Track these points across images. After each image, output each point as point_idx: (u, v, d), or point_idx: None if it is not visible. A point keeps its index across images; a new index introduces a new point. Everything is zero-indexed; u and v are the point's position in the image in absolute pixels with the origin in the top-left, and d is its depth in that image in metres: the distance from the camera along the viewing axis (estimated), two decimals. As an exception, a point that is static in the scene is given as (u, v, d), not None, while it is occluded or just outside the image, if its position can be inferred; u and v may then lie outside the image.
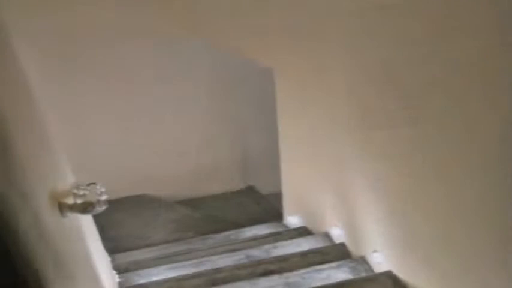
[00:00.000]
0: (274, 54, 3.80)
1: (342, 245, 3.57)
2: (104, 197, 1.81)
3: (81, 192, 1.80)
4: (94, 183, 1.86)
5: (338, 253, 3.51)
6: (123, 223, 5.15)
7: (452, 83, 2.04)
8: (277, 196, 4.79)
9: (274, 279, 3.17)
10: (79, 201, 1.75)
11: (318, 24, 3.08)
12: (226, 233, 4.80)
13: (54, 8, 4.52)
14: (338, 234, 3.65)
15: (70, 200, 1.72)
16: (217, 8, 4.45)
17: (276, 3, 3.49)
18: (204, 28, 4.90)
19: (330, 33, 2.96)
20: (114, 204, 2.42)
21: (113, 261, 3.86)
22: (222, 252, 3.91)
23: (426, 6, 2.09)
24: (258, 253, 3.79)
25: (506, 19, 1.69)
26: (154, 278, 3.54)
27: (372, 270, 3.15)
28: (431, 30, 2.09)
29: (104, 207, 1.78)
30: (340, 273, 3.20)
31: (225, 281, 3.29)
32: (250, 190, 6.16)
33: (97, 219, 2.78)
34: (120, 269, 3.75)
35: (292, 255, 3.53)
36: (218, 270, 3.42)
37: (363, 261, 3.25)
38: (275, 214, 5.32)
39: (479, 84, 1.88)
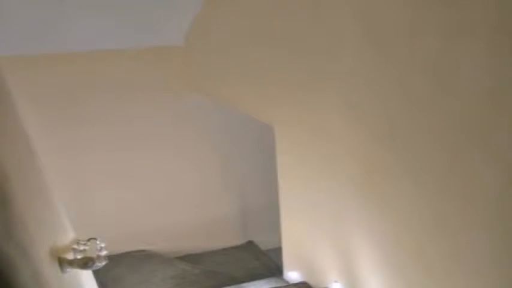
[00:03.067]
0: (273, 110, 3.84)
1: (342, 300, 3.54)
2: (104, 252, 1.81)
3: (81, 248, 1.80)
4: (94, 239, 1.87)
5: (338, 309, 3.48)
6: (123, 278, 5.10)
7: (453, 138, 2.06)
8: (277, 251, 4.76)
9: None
10: (79, 256, 1.75)
11: (318, 79, 3.12)
12: (226, 288, 4.76)
13: (54, 64, 4.59)
14: (338, 289, 3.63)
15: (70, 255, 1.72)
16: (218, 65, 4.52)
17: (275, 59, 3.55)
18: (202, 83, 4.96)
19: (331, 88, 3.00)
20: (114, 259, 2.42)
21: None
22: (221, 308, 3.87)
23: (426, 61, 2.13)
24: (257, 309, 3.76)
25: (504, 76, 1.72)
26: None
27: (373, 327, 3.13)
28: (432, 84, 2.12)
29: (104, 263, 1.78)
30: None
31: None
32: (250, 245, 6.11)
33: (97, 274, 2.76)
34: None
35: (292, 311, 3.51)
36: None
37: (363, 317, 3.22)
38: (275, 269, 5.27)
39: (479, 139, 1.90)
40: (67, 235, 2.06)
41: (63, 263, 1.63)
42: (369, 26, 2.52)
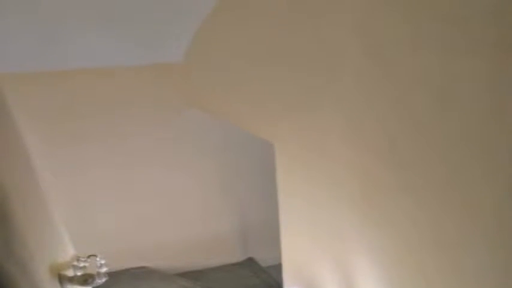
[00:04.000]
0: (273, 127, 3.83)
1: (343, 318, 3.53)
2: (104, 269, 1.81)
3: (82, 264, 1.80)
4: (94, 255, 1.87)
5: (339, 326, 3.47)
6: (122, 296, 5.09)
7: (453, 155, 2.06)
8: (277, 268, 4.75)
9: None
10: (79, 273, 1.75)
11: (317, 96, 3.12)
12: (226, 305, 4.75)
13: (54, 81, 4.60)
14: (339, 306, 3.61)
15: (70, 272, 1.72)
16: (218, 82, 4.53)
17: (275, 76, 3.56)
18: (202, 100, 4.97)
19: (330, 105, 3.00)
20: (113, 276, 2.41)
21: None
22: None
23: (427, 78, 2.13)
24: (258, 326, 3.74)
25: (504, 93, 1.73)
26: None
27: None
28: (432, 102, 2.12)
29: (104, 279, 1.78)
30: None
31: None
32: (250, 262, 6.10)
33: (96, 291, 2.76)
34: None
35: (293, 329, 3.49)
36: None
37: (364, 334, 3.21)
38: (275, 286, 5.26)
39: (479, 157, 1.90)
40: (67, 252, 2.06)
41: (63, 279, 1.62)
42: (369, 43, 2.53)
